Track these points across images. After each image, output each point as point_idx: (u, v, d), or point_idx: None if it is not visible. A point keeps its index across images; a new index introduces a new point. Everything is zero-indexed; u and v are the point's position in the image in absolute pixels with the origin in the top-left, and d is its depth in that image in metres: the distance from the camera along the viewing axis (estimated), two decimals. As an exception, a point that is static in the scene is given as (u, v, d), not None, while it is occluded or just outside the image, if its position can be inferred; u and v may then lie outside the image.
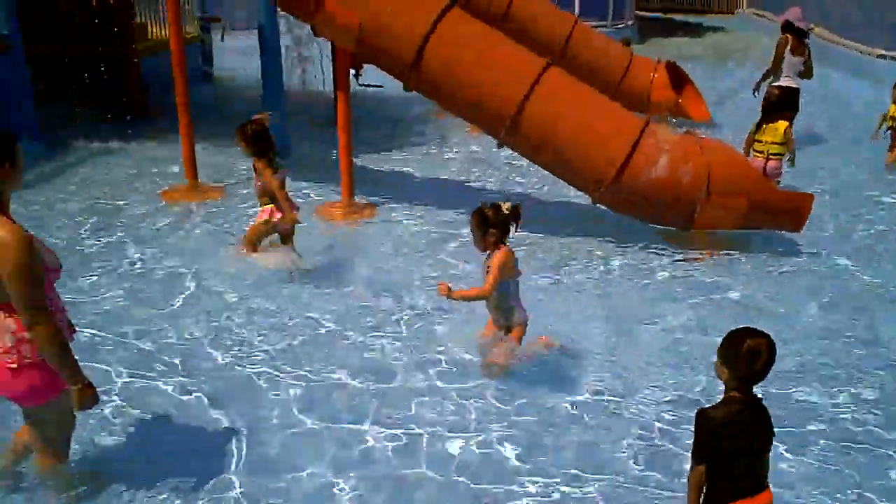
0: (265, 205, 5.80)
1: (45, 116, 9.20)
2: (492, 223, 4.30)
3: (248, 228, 6.14)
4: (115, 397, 4.30)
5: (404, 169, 8.85)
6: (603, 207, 6.84)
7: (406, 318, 5.31)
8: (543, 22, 9.99)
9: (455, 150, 9.68)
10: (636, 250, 6.52)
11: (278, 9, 8.21)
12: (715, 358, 2.91)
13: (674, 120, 10.68)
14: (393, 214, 7.29)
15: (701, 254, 6.40)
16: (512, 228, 4.36)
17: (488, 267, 4.34)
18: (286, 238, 5.93)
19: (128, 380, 4.48)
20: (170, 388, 4.42)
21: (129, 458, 3.83)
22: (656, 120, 7.87)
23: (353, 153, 7.39)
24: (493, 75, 6.50)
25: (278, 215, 5.74)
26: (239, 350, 4.83)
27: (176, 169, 8.34)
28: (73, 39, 10.40)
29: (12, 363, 2.97)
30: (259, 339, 4.98)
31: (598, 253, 6.46)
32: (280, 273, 5.81)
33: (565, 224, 6.97)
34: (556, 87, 6.56)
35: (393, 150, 9.55)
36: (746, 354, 2.78)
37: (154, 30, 12.31)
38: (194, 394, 4.37)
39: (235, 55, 13.44)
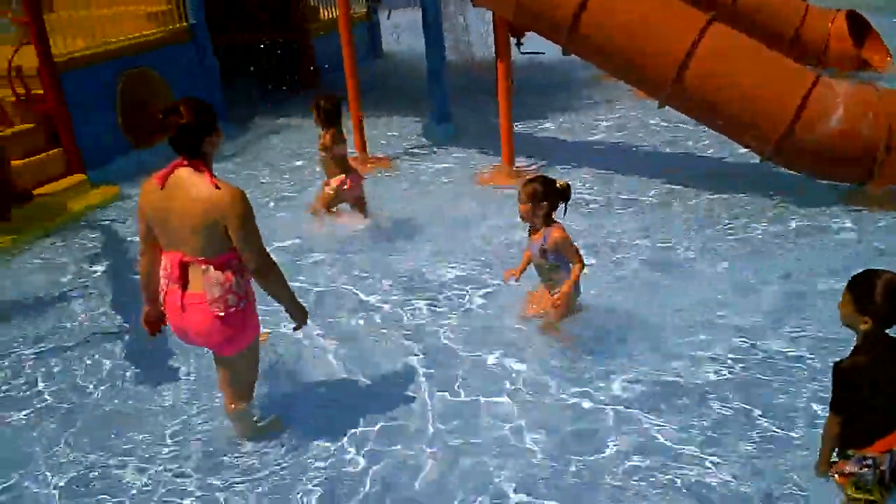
0: (333, 175, 6.05)
1: (230, 98, 9.98)
2: (546, 195, 4.22)
3: (317, 198, 6.31)
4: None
5: (566, 135, 8.85)
6: (774, 167, 6.58)
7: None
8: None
9: (619, 113, 9.55)
10: (812, 209, 6.20)
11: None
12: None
13: (855, 73, 10.01)
14: (556, 176, 7.27)
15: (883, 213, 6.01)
16: (561, 207, 4.29)
17: (554, 246, 4.24)
18: (359, 206, 6.20)
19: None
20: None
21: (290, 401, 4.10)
22: (833, 73, 7.44)
23: (513, 120, 7.49)
24: (653, 35, 6.37)
25: (348, 183, 6.02)
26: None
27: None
28: (252, 28, 11.17)
29: (220, 311, 3.26)
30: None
31: (771, 213, 6.21)
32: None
33: (736, 185, 6.75)
34: (720, 44, 6.34)
35: (556, 115, 9.55)
36: (885, 294, 2.71)
37: (325, 11, 12.95)
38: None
39: (401, 31, 13.85)
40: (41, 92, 7.56)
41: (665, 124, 8.65)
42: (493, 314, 4.84)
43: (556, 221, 4.31)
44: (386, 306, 5.09)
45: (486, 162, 7.86)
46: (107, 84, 8.17)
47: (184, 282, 3.26)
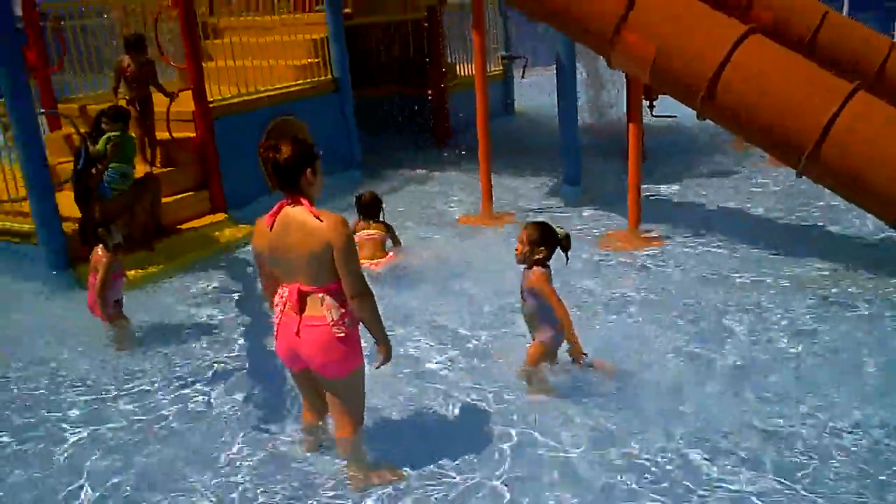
0: (378, 258, 6.63)
1: (365, 147, 10.39)
2: (544, 241, 4.39)
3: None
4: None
5: (694, 199, 8.70)
6: None
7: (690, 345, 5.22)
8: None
9: (751, 180, 9.31)
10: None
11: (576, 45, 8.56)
12: None
13: None
14: (678, 245, 7.21)
15: None
16: (562, 255, 4.46)
17: (531, 288, 4.38)
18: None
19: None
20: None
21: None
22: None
23: (642, 183, 7.45)
24: (793, 103, 6.22)
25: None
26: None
27: (473, 196, 8.93)
28: (392, 83, 11.64)
29: (340, 333, 3.51)
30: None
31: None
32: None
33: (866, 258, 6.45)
34: (863, 111, 6.12)
35: (686, 180, 9.41)
36: None
37: (462, 69, 13.34)
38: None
39: (535, 90, 14.07)
40: (193, 135, 8.11)
41: (806, 192, 8.34)
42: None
43: (545, 266, 4.42)
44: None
45: (611, 225, 7.82)
46: (253, 130, 8.67)
47: (302, 309, 3.52)
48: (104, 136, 6.95)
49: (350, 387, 3.71)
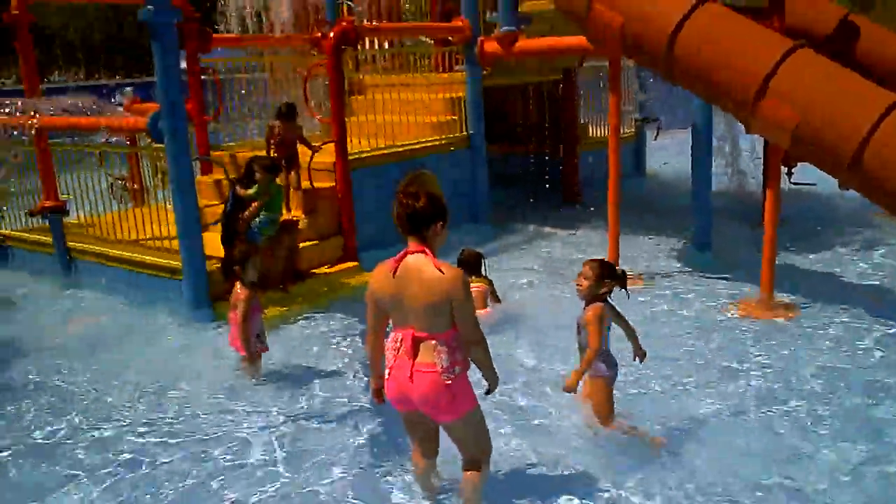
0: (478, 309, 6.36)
1: (495, 202, 10.57)
2: (612, 275, 4.72)
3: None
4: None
5: (834, 271, 8.34)
6: None
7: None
8: None
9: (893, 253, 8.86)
10: None
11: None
12: None
13: None
14: (812, 317, 6.93)
15: None
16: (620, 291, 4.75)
17: (585, 321, 4.66)
18: None
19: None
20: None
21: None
22: None
23: (777, 250, 7.24)
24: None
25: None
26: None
27: (601, 255, 8.84)
28: (524, 141, 11.84)
29: (448, 380, 3.63)
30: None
31: None
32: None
33: None
34: None
35: (824, 250, 9.04)
36: None
37: (594, 130, 13.42)
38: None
39: (666, 152, 13.95)
40: (333, 185, 8.49)
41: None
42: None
43: (603, 302, 4.69)
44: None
45: (742, 292, 7.60)
46: (388, 182, 9.00)
47: (415, 354, 3.66)
48: (257, 185, 7.38)
49: (464, 429, 3.83)
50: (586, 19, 7.57)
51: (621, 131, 8.58)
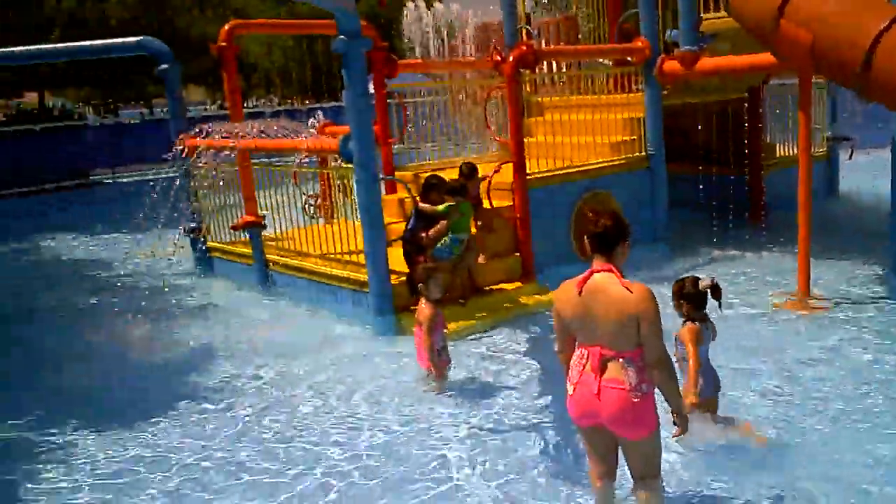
0: None
1: (674, 222, 10.36)
2: (683, 295, 4.88)
3: None
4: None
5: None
6: None
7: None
8: None
9: None
10: None
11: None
12: None
13: None
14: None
15: None
16: (713, 303, 4.87)
17: (677, 339, 4.84)
18: None
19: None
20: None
21: None
22: None
23: None
24: None
25: None
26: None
27: (788, 280, 8.50)
28: (707, 160, 11.53)
29: (636, 398, 3.67)
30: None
31: None
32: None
33: None
34: None
35: None
36: None
37: (781, 148, 12.86)
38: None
39: (862, 172, 13.13)
40: (510, 203, 8.66)
41: None
42: None
43: (695, 322, 4.85)
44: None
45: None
46: (566, 202, 9.06)
47: (602, 371, 3.72)
48: (446, 204, 7.68)
49: (645, 448, 3.85)
50: (773, 37, 7.34)
51: (812, 150, 8.21)
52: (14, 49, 14.13)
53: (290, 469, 5.04)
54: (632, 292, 3.63)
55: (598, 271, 3.74)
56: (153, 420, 5.89)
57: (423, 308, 6.12)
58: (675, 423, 3.90)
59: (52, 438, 5.69)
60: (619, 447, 3.93)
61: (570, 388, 3.85)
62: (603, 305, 3.67)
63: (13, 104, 47.20)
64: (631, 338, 3.66)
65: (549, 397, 5.88)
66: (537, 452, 5.05)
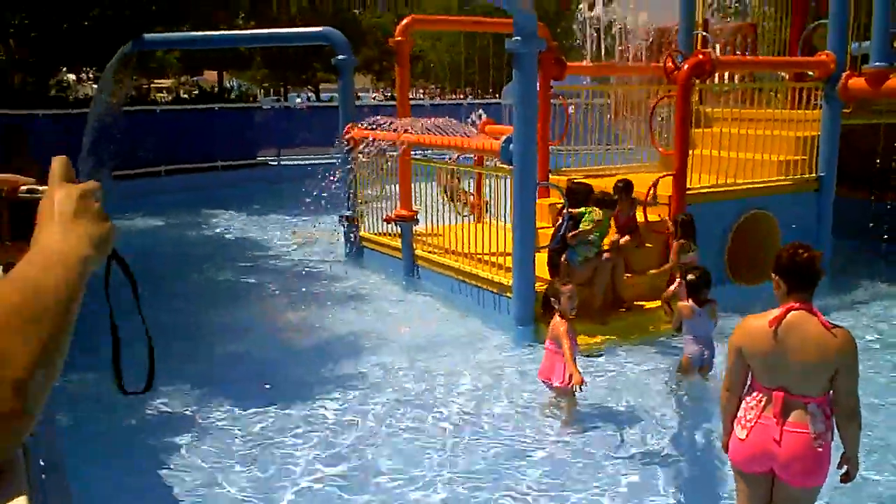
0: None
1: (837, 251, 9.71)
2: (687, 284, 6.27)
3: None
4: None
5: None
6: None
7: None
8: None
9: None
10: None
11: None
12: None
13: None
14: None
15: None
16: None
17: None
18: None
19: None
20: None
21: None
22: None
23: None
24: None
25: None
26: None
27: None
28: (883, 186, 10.73)
29: (819, 446, 3.46)
30: None
31: None
32: None
33: None
34: None
35: None
36: None
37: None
38: None
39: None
40: (666, 218, 8.39)
41: None
42: None
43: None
44: None
45: None
46: (725, 220, 8.70)
47: (784, 415, 3.50)
48: (590, 210, 7.56)
49: (810, 498, 3.64)
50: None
51: None
52: (211, 33, 15.14)
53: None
54: (835, 336, 3.44)
55: (795, 309, 3.53)
56: (294, 400, 6.11)
57: (558, 323, 5.79)
58: (843, 467, 3.63)
59: (207, 411, 6.00)
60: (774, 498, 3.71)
61: (740, 432, 3.64)
62: (799, 347, 3.47)
63: (193, 80, 50.41)
64: (822, 383, 3.48)
65: (687, 429, 5.68)
66: (673, 487, 4.86)
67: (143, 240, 12.22)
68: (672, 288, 6.92)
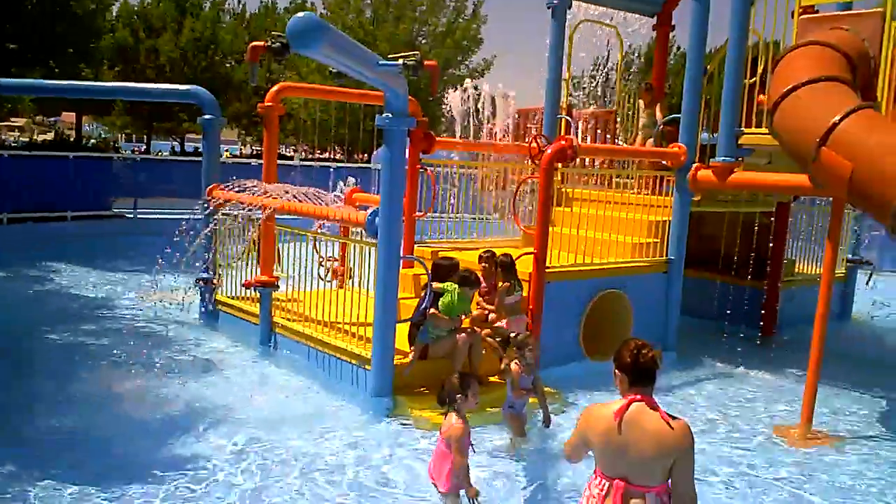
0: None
1: (683, 329, 10.20)
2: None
3: None
4: None
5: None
6: None
7: None
8: None
9: None
10: None
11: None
12: None
13: None
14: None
15: None
16: None
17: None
18: None
19: None
20: None
21: None
22: None
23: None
24: None
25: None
26: None
27: (788, 406, 8.33)
28: (723, 269, 11.43)
29: None
30: None
31: None
32: None
33: None
34: None
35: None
36: None
37: (802, 266, 12.77)
38: None
39: (877, 296, 12.99)
40: (526, 295, 8.51)
41: None
42: None
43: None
44: None
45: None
46: (581, 298, 8.97)
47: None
48: (447, 285, 7.62)
49: None
50: (812, 162, 7.29)
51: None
52: (77, 83, 14.51)
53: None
54: (673, 429, 3.57)
55: (637, 400, 3.65)
56: (134, 483, 5.68)
57: (454, 424, 5.19)
58: None
59: (27, 487, 5.51)
60: None
61: None
62: (641, 440, 3.58)
63: (49, 122, 48.09)
64: (660, 473, 3.59)
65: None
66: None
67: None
68: (503, 365, 7.30)
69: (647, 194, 10.80)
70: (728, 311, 10.47)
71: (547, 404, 6.88)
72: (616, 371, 3.78)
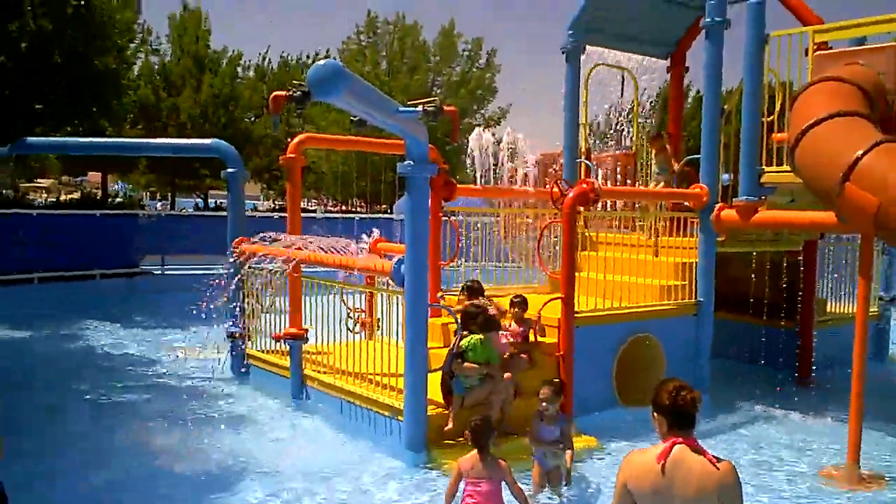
0: None
1: (716, 373, 10.05)
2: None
3: None
4: None
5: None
6: None
7: None
8: None
9: None
10: None
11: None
12: None
13: None
14: None
15: None
16: None
17: None
18: None
19: None
20: None
21: None
22: None
23: None
24: None
25: None
26: None
27: (831, 449, 8.15)
28: (755, 311, 11.31)
29: None
30: None
31: None
32: None
33: None
34: None
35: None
36: None
37: (834, 305, 12.60)
38: None
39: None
40: (555, 340, 8.49)
41: None
42: None
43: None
44: None
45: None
46: (611, 342, 8.91)
47: None
48: (469, 337, 7.61)
49: None
50: (837, 199, 7.27)
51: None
52: (103, 140, 14.81)
53: None
54: (718, 469, 3.50)
55: (679, 444, 3.58)
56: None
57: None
58: None
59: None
60: None
61: None
62: (685, 480, 3.50)
63: (75, 182, 48.89)
64: None
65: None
66: None
67: (3, 352, 11.44)
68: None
69: (666, 237, 10.77)
70: (761, 353, 10.34)
71: (572, 461, 6.79)
72: (654, 414, 3.70)
